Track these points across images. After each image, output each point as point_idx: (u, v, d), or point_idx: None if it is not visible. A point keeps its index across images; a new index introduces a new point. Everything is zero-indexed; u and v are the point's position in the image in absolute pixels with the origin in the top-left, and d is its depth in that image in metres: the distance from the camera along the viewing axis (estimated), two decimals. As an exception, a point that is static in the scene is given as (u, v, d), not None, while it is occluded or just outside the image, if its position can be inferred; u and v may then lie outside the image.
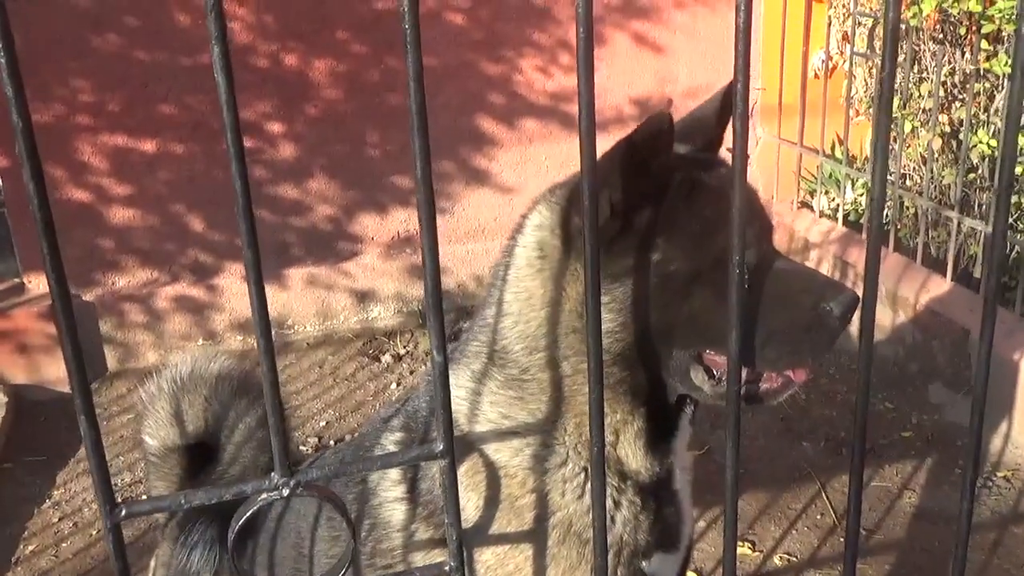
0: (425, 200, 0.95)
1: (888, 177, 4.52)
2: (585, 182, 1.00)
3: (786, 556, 3.10)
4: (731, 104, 1.54)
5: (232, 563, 1.06)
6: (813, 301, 1.40)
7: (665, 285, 1.37)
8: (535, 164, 4.99)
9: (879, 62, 4.54)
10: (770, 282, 1.41)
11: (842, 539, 3.11)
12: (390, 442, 1.63)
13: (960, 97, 4.53)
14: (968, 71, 4.23)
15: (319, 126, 4.69)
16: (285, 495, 1.03)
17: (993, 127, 4.38)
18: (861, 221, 4.56)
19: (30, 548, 3.39)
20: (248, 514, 1.04)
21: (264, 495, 1.02)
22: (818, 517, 3.27)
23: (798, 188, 5.04)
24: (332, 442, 3.94)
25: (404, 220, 4.93)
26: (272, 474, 1.02)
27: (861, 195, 4.94)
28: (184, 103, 4.49)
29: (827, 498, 3.36)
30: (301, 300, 4.81)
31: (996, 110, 4.39)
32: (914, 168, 4.82)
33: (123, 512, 1.03)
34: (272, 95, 4.52)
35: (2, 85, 0.78)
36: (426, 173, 0.92)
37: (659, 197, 1.36)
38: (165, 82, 4.45)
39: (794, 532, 3.20)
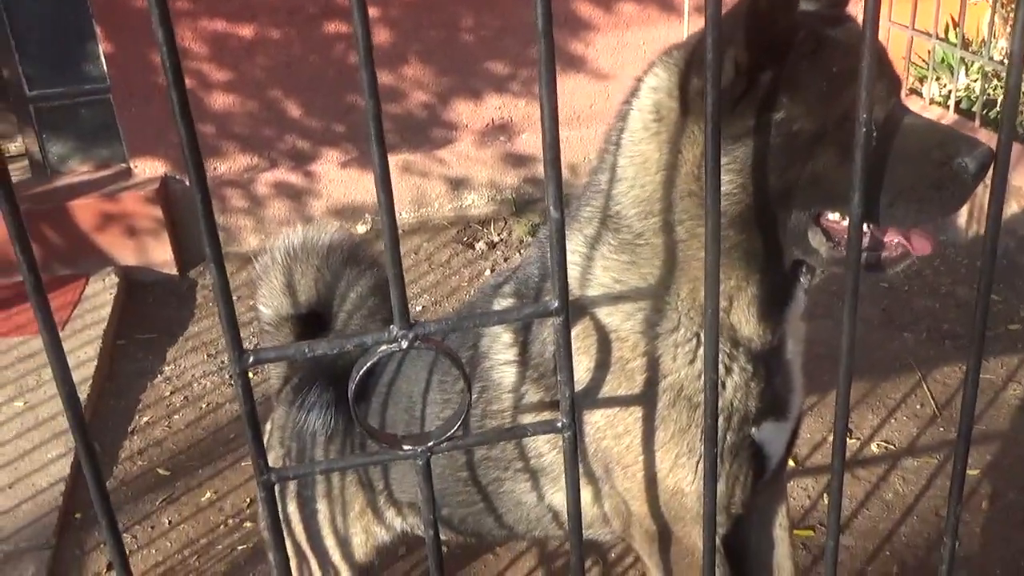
0: (546, 50, 0.93)
1: (1002, 60, 4.29)
2: (710, 37, 0.97)
3: (884, 444, 3.07)
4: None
5: (352, 411, 1.09)
6: (946, 156, 1.34)
7: (788, 144, 1.33)
8: (632, 50, 4.88)
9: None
10: (899, 138, 1.35)
11: (942, 429, 3.08)
12: (501, 307, 1.64)
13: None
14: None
15: (414, 10, 4.65)
16: (404, 347, 1.04)
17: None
18: (973, 109, 4.35)
19: (144, 419, 3.57)
20: (368, 364, 1.06)
21: (384, 346, 1.04)
22: (918, 407, 3.22)
23: (907, 74, 4.84)
24: (428, 325, 4.00)
25: (499, 107, 4.89)
26: (391, 326, 1.03)
27: (975, 80, 4.72)
28: (280, -13, 4.49)
29: (927, 389, 3.30)
30: (396, 187, 4.82)
31: None
32: (1034, 51, 4.56)
33: (251, 359, 1.06)
34: (367, -21, 4.47)
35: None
36: (547, 12, 0.89)
37: (783, 54, 1.31)
38: (261, -34, 4.45)
39: (892, 421, 3.17)
